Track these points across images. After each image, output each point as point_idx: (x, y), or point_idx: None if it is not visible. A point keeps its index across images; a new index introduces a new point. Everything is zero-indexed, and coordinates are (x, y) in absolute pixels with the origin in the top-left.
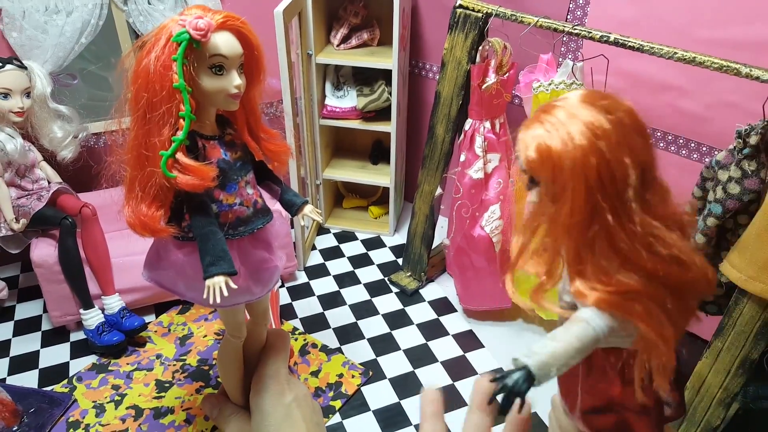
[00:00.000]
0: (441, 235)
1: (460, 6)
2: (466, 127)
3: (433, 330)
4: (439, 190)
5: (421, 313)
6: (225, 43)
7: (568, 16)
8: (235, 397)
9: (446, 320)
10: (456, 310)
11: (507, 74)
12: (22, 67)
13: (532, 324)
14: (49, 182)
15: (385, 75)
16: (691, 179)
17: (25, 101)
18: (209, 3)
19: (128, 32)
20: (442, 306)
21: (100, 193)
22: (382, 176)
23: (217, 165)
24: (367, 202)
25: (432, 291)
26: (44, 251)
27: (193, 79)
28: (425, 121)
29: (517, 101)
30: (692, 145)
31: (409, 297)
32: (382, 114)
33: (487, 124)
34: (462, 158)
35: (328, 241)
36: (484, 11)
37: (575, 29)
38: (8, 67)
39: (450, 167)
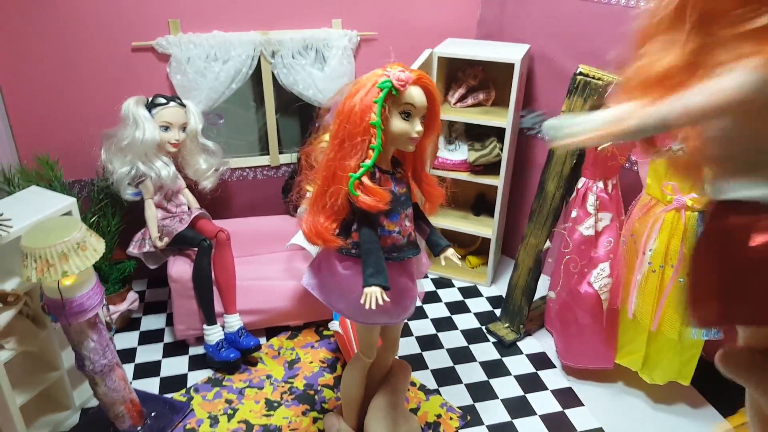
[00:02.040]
0: (541, 290)
1: (581, 73)
2: (579, 185)
3: (530, 383)
4: (547, 244)
5: (518, 365)
6: (417, 95)
7: None
8: (349, 417)
9: (545, 375)
10: (554, 366)
11: None
12: (182, 105)
13: (633, 387)
14: (189, 207)
15: (497, 132)
16: None
17: (180, 135)
18: (346, 62)
19: (272, 82)
20: (540, 360)
21: (231, 221)
22: (483, 227)
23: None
24: (465, 251)
25: (530, 344)
26: (181, 268)
27: (386, 119)
28: (529, 177)
29: (629, 165)
30: None
31: (507, 348)
32: (490, 168)
33: (600, 184)
34: (573, 214)
35: (425, 285)
36: (606, 80)
37: None
38: (171, 104)
39: (558, 223)
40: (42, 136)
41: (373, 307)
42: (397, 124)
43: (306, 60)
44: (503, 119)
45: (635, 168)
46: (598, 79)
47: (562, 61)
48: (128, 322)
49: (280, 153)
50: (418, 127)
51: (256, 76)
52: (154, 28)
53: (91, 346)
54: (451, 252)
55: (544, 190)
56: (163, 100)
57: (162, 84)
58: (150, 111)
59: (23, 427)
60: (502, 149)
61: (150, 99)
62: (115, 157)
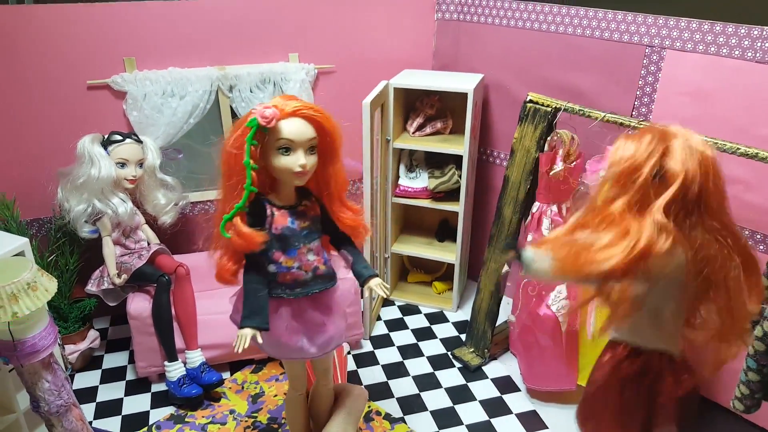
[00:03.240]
0: (505, 312)
1: (531, 101)
2: (534, 209)
3: (496, 408)
4: (506, 268)
5: (483, 389)
6: (292, 128)
7: (633, 112)
8: None
9: (509, 399)
10: (519, 390)
11: (574, 163)
12: (139, 141)
13: None
14: (148, 243)
15: (456, 160)
16: None
17: (138, 171)
18: (304, 95)
19: (230, 115)
20: (505, 384)
21: (191, 256)
22: (447, 253)
23: (282, 232)
24: (431, 277)
25: (495, 368)
26: (140, 305)
27: (265, 157)
28: (490, 203)
29: (583, 188)
30: (758, 236)
31: (472, 373)
32: (451, 195)
33: (554, 208)
34: (529, 238)
35: (392, 312)
36: (553, 106)
37: (641, 124)
38: (128, 140)
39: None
40: None
41: (239, 350)
42: (276, 160)
43: (264, 93)
44: (461, 147)
45: (587, 190)
46: (547, 106)
47: (515, 89)
48: (90, 361)
49: None
50: (301, 161)
51: (216, 110)
52: (109, 66)
53: (45, 386)
54: (375, 282)
55: (501, 215)
56: (119, 137)
57: (119, 120)
58: (106, 148)
59: None
60: (461, 176)
61: (106, 136)
62: (72, 194)
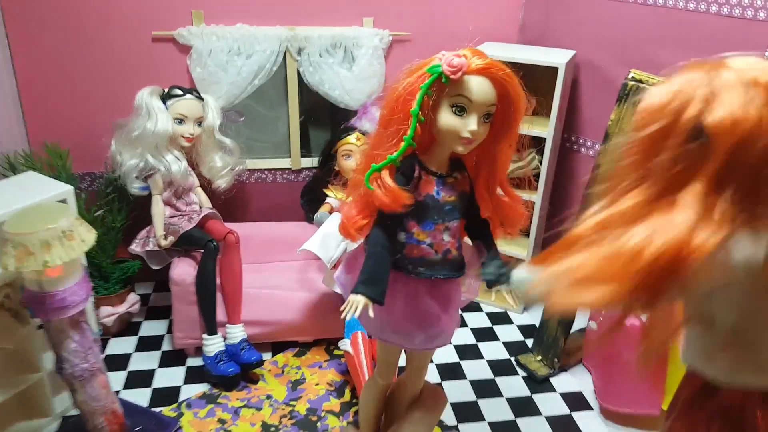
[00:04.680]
0: (581, 319)
1: (633, 78)
2: None
3: (563, 426)
4: None
5: (551, 404)
6: (477, 87)
7: None
8: None
9: (580, 417)
10: (591, 408)
11: None
12: (200, 98)
13: None
14: (200, 207)
15: (536, 144)
16: None
17: (196, 129)
18: (376, 63)
19: (296, 80)
20: (576, 401)
21: (244, 225)
22: (517, 247)
23: (424, 199)
24: None
25: (565, 381)
26: (184, 270)
27: (434, 111)
28: (570, 194)
29: None
30: None
31: (538, 384)
32: (527, 183)
33: None
34: None
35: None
36: None
37: None
38: (188, 96)
39: None
40: (55, 125)
41: (348, 317)
42: (446, 118)
43: (334, 59)
44: (544, 129)
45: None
46: (652, 84)
47: (610, 69)
48: (127, 326)
49: (303, 156)
50: (472, 126)
51: (281, 73)
52: (176, 18)
53: (71, 347)
54: (504, 288)
55: (587, 207)
56: (179, 92)
57: (182, 76)
58: (165, 102)
59: None
60: (541, 162)
61: (166, 90)
62: (125, 147)
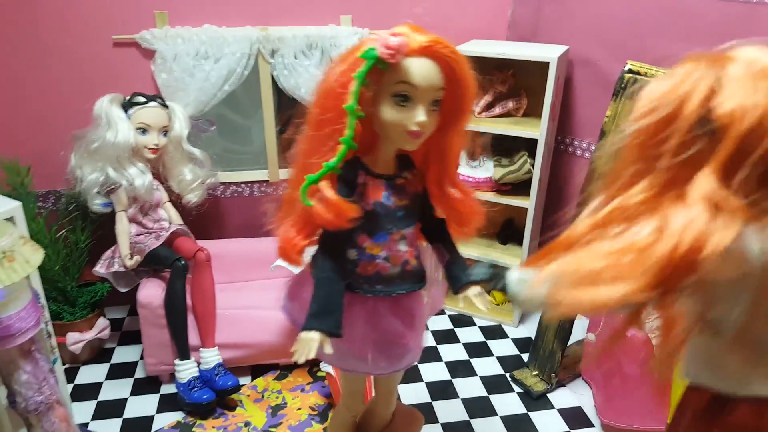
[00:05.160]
0: (579, 332)
1: (630, 71)
2: None
3: None
4: None
5: (548, 422)
6: (419, 70)
7: None
8: None
9: None
10: (592, 425)
11: None
12: (164, 106)
13: None
14: (170, 223)
15: (528, 147)
16: None
17: (161, 139)
18: None
19: (271, 85)
20: (575, 417)
21: (219, 242)
22: (511, 257)
23: (373, 208)
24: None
25: (563, 397)
26: (151, 291)
27: (375, 104)
28: (565, 200)
29: None
30: None
31: (535, 401)
32: (519, 188)
33: None
34: None
35: (442, 322)
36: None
37: None
38: (151, 104)
39: None
40: (13, 140)
41: (301, 360)
42: (388, 111)
43: (310, 60)
44: (535, 130)
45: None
46: (651, 76)
47: (606, 64)
48: (98, 353)
49: (282, 168)
50: (420, 117)
51: (255, 78)
52: (138, 21)
53: (23, 379)
54: (475, 291)
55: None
56: (141, 99)
57: (147, 83)
58: (126, 111)
59: None
60: (533, 165)
61: (127, 98)
62: (85, 161)
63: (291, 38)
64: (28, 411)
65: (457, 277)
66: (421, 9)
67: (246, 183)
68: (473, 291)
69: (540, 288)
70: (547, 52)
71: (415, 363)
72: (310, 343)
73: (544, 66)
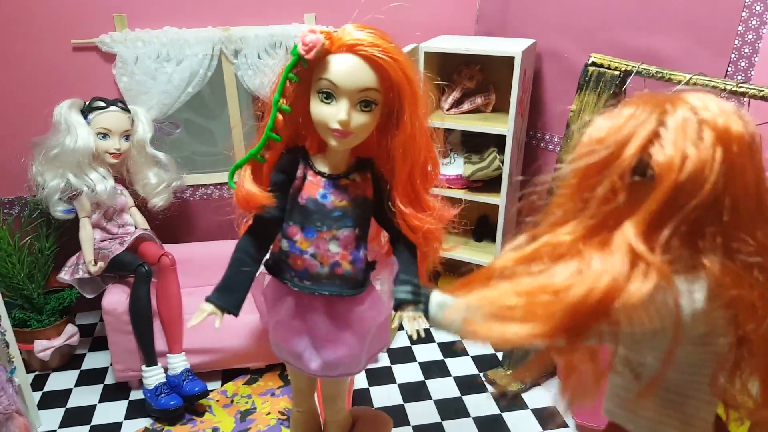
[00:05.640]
0: None
1: (593, 63)
2: None
3: None
4: None
5: (522, 422)
6: (338, 67)
7: (729, 69)
8: None
9: None
10: (567, 426)
11: None
12: (126, 110)
13: None
14: (136, 228)
15: (498, 142)
16: None
17: (122, 143)
18: None
19: (236, 85)
20: (550, 418)
21: (184, 246)
22: (486, 254)
23: (305, 203)
24: None
25: (537, 397)
26: (115, 298)
27: (305, 101)
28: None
29: None
30: None
31: (509, 401)
32: (491, 185)
33: None
34: None
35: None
36: (623, 69)
37: (740, 87)
38: (112, 108)
39: None
40: None
41: (190, 325)
42: (313, 107)
43: (274, 60)
44: (504, 125)
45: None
46: (615, 68)
47: (574, 57)
48: (69, 359)
49: None
50: (341, 115)
51: (219, 79)
52: (97, 24)
53: None
54: (408, 315)
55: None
56: (101, 104)
57: (108, 87)
58: (86, 116)
59: None
60: (503, 161)
61: (87, 103)
62: (46, 168)
63: (254, 38)
64: None
65: (395, 292)
66: (386, 5)
67: (215, 185)
68: (408, 313)
69: (457, 315)
70: (513, 47)
71: (354, 374)
72: (202, 313)
73: (510, 61)
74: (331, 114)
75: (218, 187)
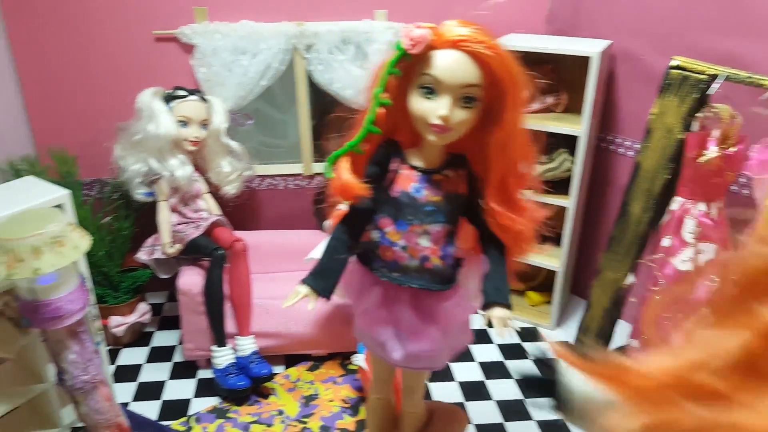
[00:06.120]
0: (620, 337)
1: (677, 67)
2: (674, 206)
3: None
4: (630, 278)
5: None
6: (443, 62)
7: None
8: None
9: None
10: None
11: (733, 149)
12: (204, 99)
13: None
14: (209, 214)
15: (568, 143)
16: None
17: (201, 132)
18: None
19: (306, 80)
20: None
21: (254, 233)
22: (549, 258)
23: (399, 196)
24: (525, 286)
25: None
26: (191, 280)
27: (403, 95)
28: (606, 200)
29: (740, 185)
30: None
31: None
32: (558, 187)
33: (702, 206)
34: (666, 243)
35: (475, 322)
36: (709, 73)
37: None
38: (191, 97)
39: (645, 254)
40: (61, 131)
41: (285, 305)
42: (414, 102)
43: (345, 56)
44: (576, 126)
45: (745, 191)
46: (700, 72)
47: (651, 59)
48: (139, 336)
49: (316, 162)
50: (442, 110)
51: (290, 73)
52: (178, 16)
53: (70, 358)
54: (498, 314)
55: (627, 212)
56: (182, 93)
57: (187, 77)
58: (168, 104)
59: None
60: (573, 163)
61: (169, 91)
62: (128, 152)
63: (326, 33)
64: (74, 389)
65: (486, 292)
66: (457, 2)
67: (281, 176)
68: (497, 312)
69: (600, 411)
70: (589, 47)
71: (436, 369)
72: (299, 294)
73: (584, 61)
74: (432, 109)
75: (283, 177)
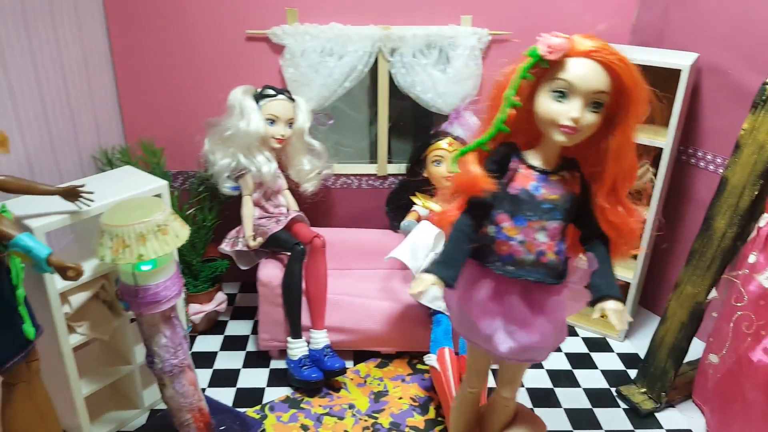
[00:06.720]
0: (693, 352)
1: None
2: (761, 223)
3: None
4: (713, 294)
5: None
6: (577, 68)
7: None
8: None
9: None
10: None
11: None
12: (291, 99)
13: None
14: (288, 209)
15: (648, 155)
16: None
17: (286, 130)
18: (473, 65)
19: (388, 83)
20: None
21: (328, 230)
22: (622, 269)
23: (518, 193)
24: None
25: (671, 418)
26: (271, 272)
27: (534, 98)
28: (684, 214)
29: None
30: None
31: (641, 418)
32: (637, 197)
33: None
34: (751, 260)
35: None
36: None
37: None
38: (280, 96)
39: (727, 270)
40: (150, 123)
41: (412, 291)
42: (544, 103)
43: (428, 60)
44: (661, 138)
45: None
46: None
47: (739, 74)
48: (214, 324)
49: (390, 163)
50: (574, 113)
51: (372, 76)
52: (270, 17)
53: (162, 342)
54: (612, 306)
55: (711, 226)
56: (272, 92)
57: (274, 76)
58: (257, 102)
59: (86, 419)
60: (656, 174)
61: (259, 90)
62: (218, 147)
63: (411, 37)
64: (164, 372)
65: (597, 287)
66: (542, 10)
67: (355, 176)
68: (612, 305)
69: None
70: (677, 59)
71: (540, 361)
72: (425, 282)
73: (671, 73)
74: (563, 111)
75: (357, 177)
